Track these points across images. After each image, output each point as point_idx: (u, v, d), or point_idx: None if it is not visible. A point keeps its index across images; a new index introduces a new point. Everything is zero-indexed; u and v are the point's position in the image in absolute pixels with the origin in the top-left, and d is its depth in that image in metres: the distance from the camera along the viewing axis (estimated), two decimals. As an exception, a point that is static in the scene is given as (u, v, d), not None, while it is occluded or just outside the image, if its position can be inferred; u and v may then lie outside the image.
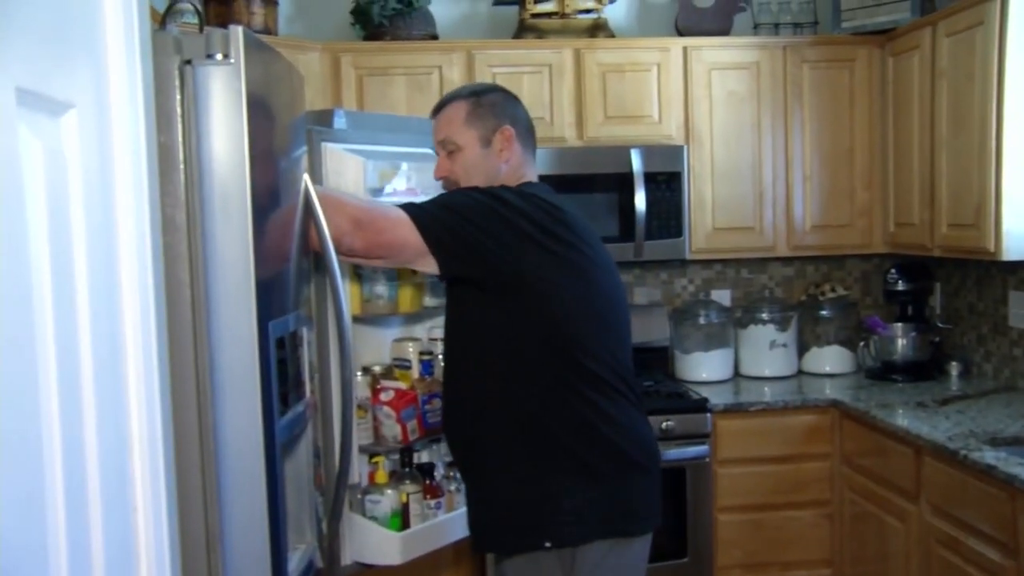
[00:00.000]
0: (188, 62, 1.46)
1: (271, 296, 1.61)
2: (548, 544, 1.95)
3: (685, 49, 3.66)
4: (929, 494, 2.80)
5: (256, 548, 1.50)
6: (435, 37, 3.65)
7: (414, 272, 2.28)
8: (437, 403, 2.30)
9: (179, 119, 1.45)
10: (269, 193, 1.64)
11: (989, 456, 2.51)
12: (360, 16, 3.58)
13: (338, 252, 1.95)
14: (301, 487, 1.86)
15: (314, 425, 1.99)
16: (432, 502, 2.31)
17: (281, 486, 1.64)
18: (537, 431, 1.97)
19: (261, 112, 1.61)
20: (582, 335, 1.98)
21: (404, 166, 2.29)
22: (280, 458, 1.63)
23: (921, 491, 2.84)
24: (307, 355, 1.89)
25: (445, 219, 1.94)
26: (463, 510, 2.34)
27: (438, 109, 2.15)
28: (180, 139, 1.45)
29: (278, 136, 1.74)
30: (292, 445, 1.81)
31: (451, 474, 2.40)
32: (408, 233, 1.92)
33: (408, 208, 1.96)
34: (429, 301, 2.39)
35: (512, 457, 1.98)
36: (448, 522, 2.34)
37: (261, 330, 1.52)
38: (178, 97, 1.45)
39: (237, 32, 1.48)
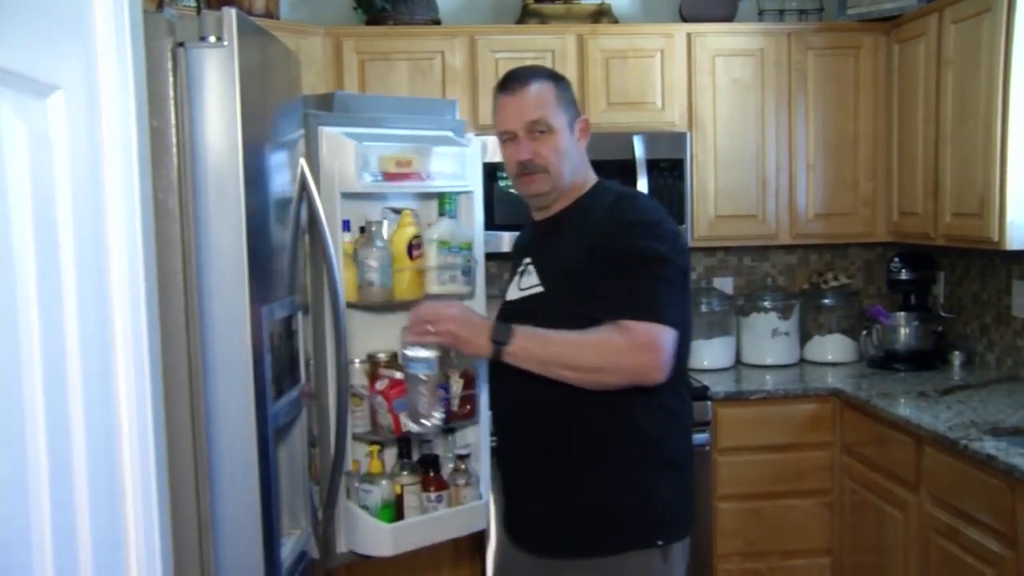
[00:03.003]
0: (181, 44, 1.45)
1: (265, 282, 1.60)
2: (660, 542, 1.93)
3: (689, 35, 3.64)
4: (929, 484, 2.79)
5: (248, 534, 1.50)
6: (437, 22, 3.63)
7: (413, 258, 2.25)
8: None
9: (171, 102, 1.43)
10: (263, 178, 1.63)
11: (989, 446, 2.50)
12: (362, 1, 3.56)
13: (643, 384, 1.86)
14: (295, 474, 1.86)
15: (309, 412, 1.99)
16: (433, 495, 2.26)
17: (274, 472, 1.63)
18: (635, 428, 1.93)
19: (255, 95, 1.59)
20: (687, 332, 1.99)
21: (415, 156, 2.25)
22: (273, 444, 1.62)
23: (921, 481, 2.83)
24: (301, 341, 1.88)
25: (668, 295, 1.88)
26: (469, 505, 2.29)
27: (519, 87, 1.99)
28: (172, 123, 1.44)
29: (273, 120, 1.72)
30: (286, 431, 1.81)
31: (462, 467, 2.33)
32: (663, 332, 1.84)
33: (639, 307, 1.85)
34: (436, 288, 2.27)
35: (613, 456, 1.93)
36: (448, 517, 2.29)
37: (254, 316, 1.51)
38: (171, 80, 1.44)
39: (231, 15, 1.47)
